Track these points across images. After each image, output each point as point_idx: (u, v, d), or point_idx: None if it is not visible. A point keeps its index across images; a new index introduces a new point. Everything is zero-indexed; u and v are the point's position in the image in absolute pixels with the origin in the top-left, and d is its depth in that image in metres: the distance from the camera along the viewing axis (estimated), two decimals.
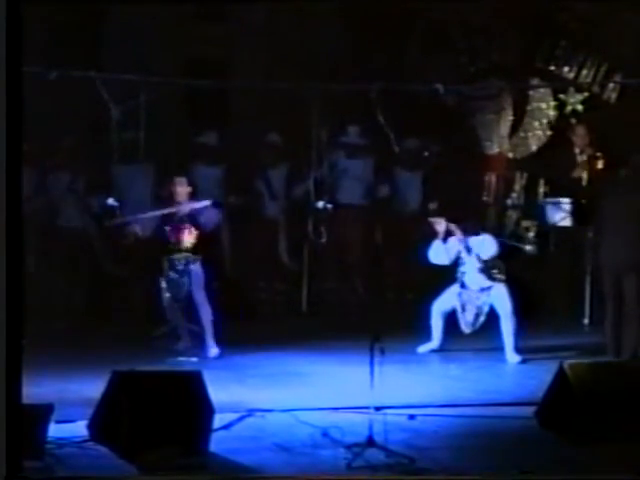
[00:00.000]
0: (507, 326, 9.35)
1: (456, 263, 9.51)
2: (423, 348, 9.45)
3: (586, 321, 10.58)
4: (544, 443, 6.98)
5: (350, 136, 11.62)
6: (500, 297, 9.41)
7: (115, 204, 10.56)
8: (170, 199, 9.43)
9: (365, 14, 11.96)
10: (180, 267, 9.25)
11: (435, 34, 12.35)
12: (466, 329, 9.45)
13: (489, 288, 9.44)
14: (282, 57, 11.98)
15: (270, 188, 11.45)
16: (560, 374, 7.24)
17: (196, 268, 9.25)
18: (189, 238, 9.27)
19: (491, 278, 9.46)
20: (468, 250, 9.43)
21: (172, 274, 9.25)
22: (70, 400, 7.29)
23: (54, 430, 6.55)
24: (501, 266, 9.54)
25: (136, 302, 10.56)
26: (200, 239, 9.31)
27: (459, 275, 9.49)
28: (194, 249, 9.30)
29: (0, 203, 5.41)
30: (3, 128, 5.41)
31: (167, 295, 9.26)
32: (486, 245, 9.47)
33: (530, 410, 7.42)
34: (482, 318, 9.43)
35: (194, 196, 9.48)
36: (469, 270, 9.46)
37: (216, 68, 11.95)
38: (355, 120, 11.53)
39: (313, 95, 10.51)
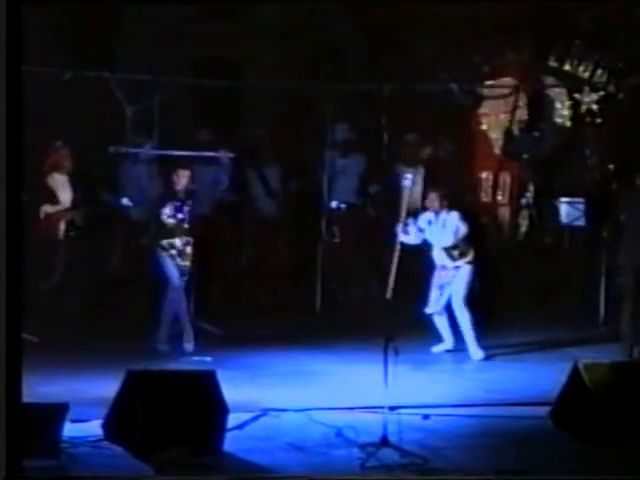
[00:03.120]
0: (461, 317, 9.17)
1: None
2: (437, 348, 9.42)
3: (601, 320, 10.54)
4: (558, 443, 6.97)
5: (355, 135, 11.59)
6: (457, 281, 9.22)
7: (129, 204, 10.59)
8: (170, 188, 9.42)
9: (377, 13, 11.96)
10: (181, 251, 9.25)
11: (448, 33, 12.33)
12: (428, 309, 9.29)
13: (452, 268, 9.22)
14: (294, 57, 11.99)
15: (269, 186, 11.44)
16: (575, 374, 7.22)
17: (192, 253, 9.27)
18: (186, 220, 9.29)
19: (451, 257, 9.26)
20: (440, 225, 9.20)
21: (174, 259, 9.24)
22: (85, 399, 7.30)
23: (69, 429, 6.56)
24: (465, 247, 9.28)
25: (150, 301, 10.57)
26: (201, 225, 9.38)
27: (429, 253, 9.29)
28: (193, 232, 9.30)
29: (0, 203, 5.41)
30: (3, 128, 5.41)
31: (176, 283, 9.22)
32: (451, 221, 9.22)
33: (544, 410, 7.40)
34: (443, 299, 9.24)
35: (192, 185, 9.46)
36: (435, 246, 9.28)
37: (229, 68, 11.97)
38: (363, 119, 11.52)
39: (325, 95, 10.53)
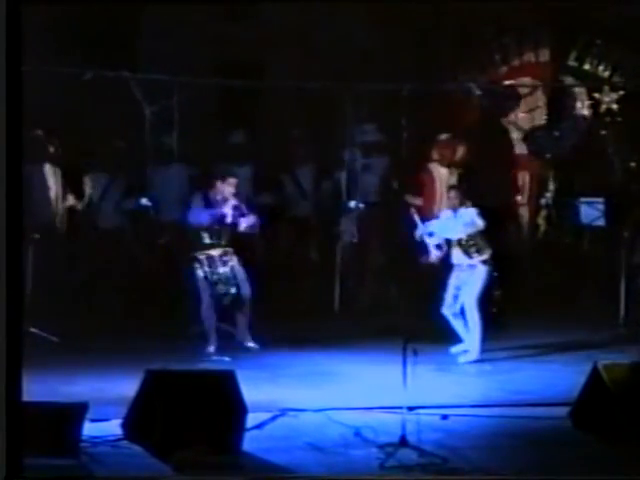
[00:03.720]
0: (470, 318, 9.06)
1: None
2: (456, 348, 9.40)
3: (621, 321, 10.50)
4: (578, 443, 6.94)
5: (376, 135, 11.58)
6: (472, 281, 9.13)
7: (149, 204, 10.61)
8: (215, 197, 9.35)
9: (397, 13, 11.94)
10: (221, 262, 9.23)
11: (468, 33, 12.31)
12: (444, 310, 9.21)
13: (467, 266, 9.13)
14: (314, 57, 11.98)
15: (300, 187, 11.45)
16: (594, 374, 7.20)
17: (237, 264, 9.25)
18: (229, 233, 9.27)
19: (467, 254, 9.15)
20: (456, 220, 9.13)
21: (214, 270, 9.22)
22: (104, 399, 7.33)
23: (89, 429, 6.59)
24: (483, 244, 9.16)
25: (170, 301, 10.60)
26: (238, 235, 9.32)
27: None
28: (233, 245, 9.29)
29: (0, 203, 5.42)
30: (3, 128, 5.42)
31: (207, 292, 9.23)
32: (467, 214, 9.13)
33: (563, 410, 7.38)
34: (460, 300, 9.13)
35: (238, 196, 9.43)
36: (452, 243, 9.18)
37: (249, 68, 11.97)
38: (383, 119, 11.51)
39: (345, 95, 10.52)
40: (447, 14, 12.12)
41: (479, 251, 9.19)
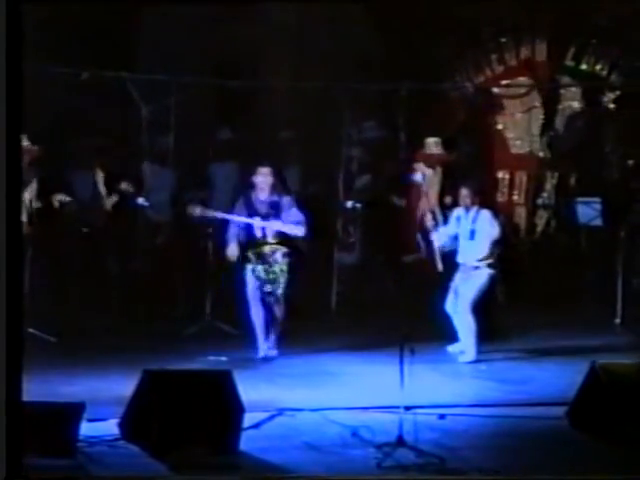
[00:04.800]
0: (464, 319, 9.01)
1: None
2: (453, 348, 9.40)
3: (618, 321, 10.50)
4: (575, 443, 6.95)
5: (373, 134, 11.59)
6: (471, 283, 9.07)
7: (145, 204, 10.61)
8: (251, 190, 9.04)
9: (395, 14, 11.95)
10: (268, 259, 8.96)
11: (465, 33, 12.32)
12: (447, 308, 9.15)
13: (471, 267, 9.08)
14: (311, 57, 11.99)
15: (299, 186, 11.45)
16: (592, 374, 7.20)
17: (285, 261, 8.98)
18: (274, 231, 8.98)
19: (480, 257, 9.05)
20: (473, 221, 9.07)
21: (262, 267, 8.95)
22: (101, 399, 7.33)
23: (86, 428, 6.59)
24: (493, 248, 9.09)
25: (169, 300, 10.61)
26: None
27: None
28: (282, 242, 9.01)
29: (0, 202, 5.42)
30: (3, 128, 5.42)
31: (256, 292, 8.97)
32: (487, 220, 9.07)
33: (561, 410, 7.38)
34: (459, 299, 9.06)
35: (276, 189, 9.08)
36: (462, 244, 9.12)
37: (246, 68, 11.98)
38: (380, 118, 11.52)
39: (342, 95, 10.53)
40: (444, 14, 12.13)
41: (488, 256, 9.14)
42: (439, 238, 9.36)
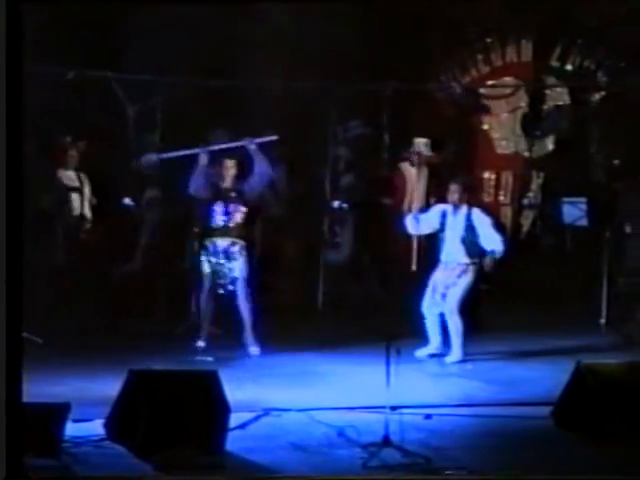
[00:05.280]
0: (452, 320, 8.98)
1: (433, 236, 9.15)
2: (421, 352, 9.15)
3: (603, 321, 10.53)
4: (560, 443, 6.97)
5: (355, 126, 11.58)
6: (460, 282, 9.02)
7: (131, 203, 10.59)
8: (219, 180, 9.21)
9: (381, 13, 11.96)
10: (224, 253, 9.08)
11: (451, 33, 12.34)
12: (427, 308, 9.08)
13: (458, 265, 9.03)
14: (298, 57, 11.99)
15: (284, 186, 11.44)
16: (577, 374, 7.22)
17: (242, 256, 9.09)
18: (237, 219, 9.11)
19: (468, 254, 9.02)
20: (468, 219, 9.02)
21: (215, 259, 9.09)
22: (87, 399, 7.31)
23: (71, 429, 6.57)
24: (479, 246, 9.02)
25: (154, 300, 10.59)
26: (248, 222, 9.16)
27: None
28: (242, 234, 9.14)
29: (0, 203, 5.41)
30: (3, 128, 5.41)
31: (207, 284, 9.10)
32: (482, 217, 9.04)
33: (546, 410, 7.40)
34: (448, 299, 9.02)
35: (240, 178, 9.22)
36: (449, 241, 9.05)
37: (231, 68, 11.97)
38: (366, 117, 11.52)
39: (329, 94, 10.52)
40: (431, 15, 12.15)
41: (478, 252, 9.10)
42: (415, 226, 9.23)
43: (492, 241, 9.07)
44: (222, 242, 9.13)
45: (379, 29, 12.11)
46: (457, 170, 11.36)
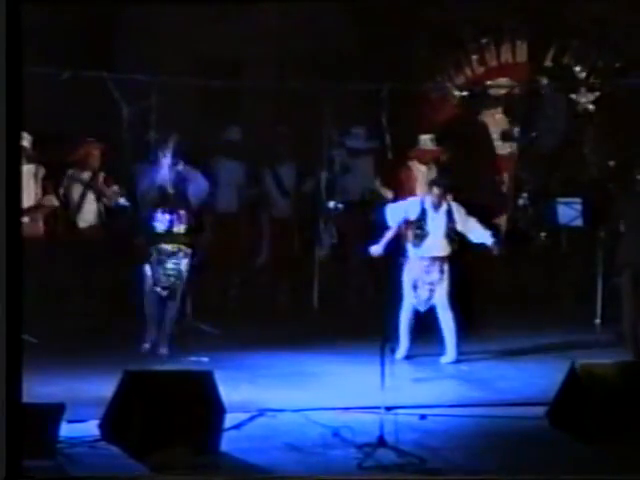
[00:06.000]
0: (444, 316, 8.91)
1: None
2: (399, 354, 8.96)
3: (598, 321, 10.54)
4: (555, 443, 6.98)
5: (357, 136, 11.58)
6: (445, 278, 8.90)
7: (126, 204, 10.57)
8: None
9: (375, 14, 11.97)
10: (171, 258, 9.06)
11: (446, 34, 12.34)
12: (420, 307, 8.99)
13: (439, 261, 8.89)
14: (293, 57, 11.99)
15: (280, 186, 11.44)
16: (571, 374, 7.23)
17: (187, 261, 9.09)
18: (182, 224, 9.11)
19: (453, 249, 8.88)
20: (448, 214, 8.90)
21: (161, 265, 9.07)
22: (82, 399, 7.31)
23: (66, 430, 6.57)
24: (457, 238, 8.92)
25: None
26: (193, 227, 9.16)
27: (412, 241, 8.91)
28: (187, 239, 9.12)
29: (0, 202, 5.41)
30: (3, 128, 5.41)
31: (152, 288, 9.08)
32: (462, 210, 8.90)
33: (541, 410, 7.41)
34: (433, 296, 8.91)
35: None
36: (432, 236, 8.90)
37: (228, 68, 11.97)
38: (365, 119, 11.52)
39: (324, 95, 10.53)
40: (425, 15, 12.16)
41: (454, 241, 8.97)
42: (393, 217, 9.08)
43: (480, 235, 9.02)
44: (167, 247, 9.11)
45: (374, 29, 12.12)
46: (449, 171, 11.39)
